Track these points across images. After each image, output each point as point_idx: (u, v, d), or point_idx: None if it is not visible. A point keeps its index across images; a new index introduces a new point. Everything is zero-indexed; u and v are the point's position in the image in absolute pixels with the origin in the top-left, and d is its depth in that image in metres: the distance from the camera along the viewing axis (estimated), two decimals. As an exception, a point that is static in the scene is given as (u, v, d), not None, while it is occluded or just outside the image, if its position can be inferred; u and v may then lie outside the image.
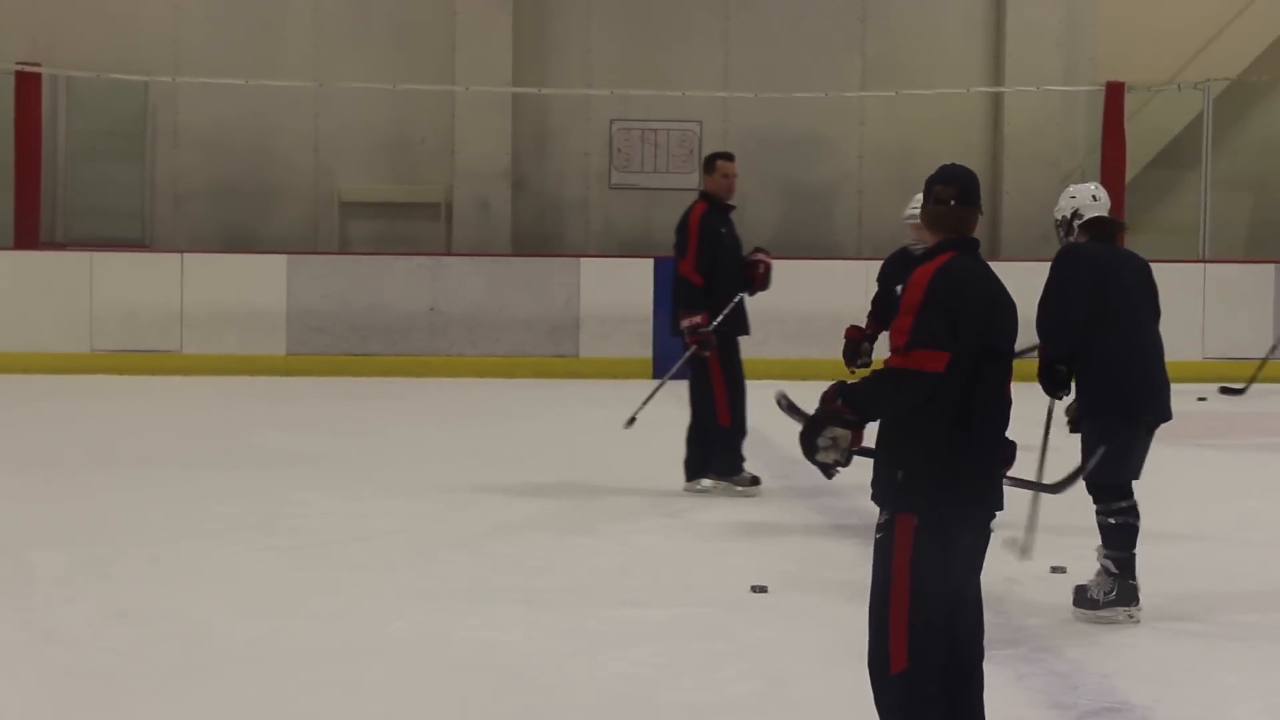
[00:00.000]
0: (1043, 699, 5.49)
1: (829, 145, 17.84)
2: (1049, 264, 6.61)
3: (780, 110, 17.32)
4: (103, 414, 12.93)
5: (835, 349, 8.85)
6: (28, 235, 16.02)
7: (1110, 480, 6.46)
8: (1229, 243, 17.91)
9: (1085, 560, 6.70)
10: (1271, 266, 16.01)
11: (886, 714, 4.29)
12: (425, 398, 14.27)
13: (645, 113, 17.63)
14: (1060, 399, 6.56)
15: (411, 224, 17.53)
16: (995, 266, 4.49)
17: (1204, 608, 6.79)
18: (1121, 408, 6.49)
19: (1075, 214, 6.73)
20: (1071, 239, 6.71)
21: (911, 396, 4.22)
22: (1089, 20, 17.95)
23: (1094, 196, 6.78)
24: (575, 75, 17.68)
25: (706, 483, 9.41)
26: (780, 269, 9.98)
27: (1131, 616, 6.48)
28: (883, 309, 8.61)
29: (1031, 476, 5.62)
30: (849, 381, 4.33)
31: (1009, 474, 4.42)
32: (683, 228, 9.48)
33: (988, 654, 4.40)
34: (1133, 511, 6.54)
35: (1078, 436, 6.58)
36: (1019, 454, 4.43)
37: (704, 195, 9.60)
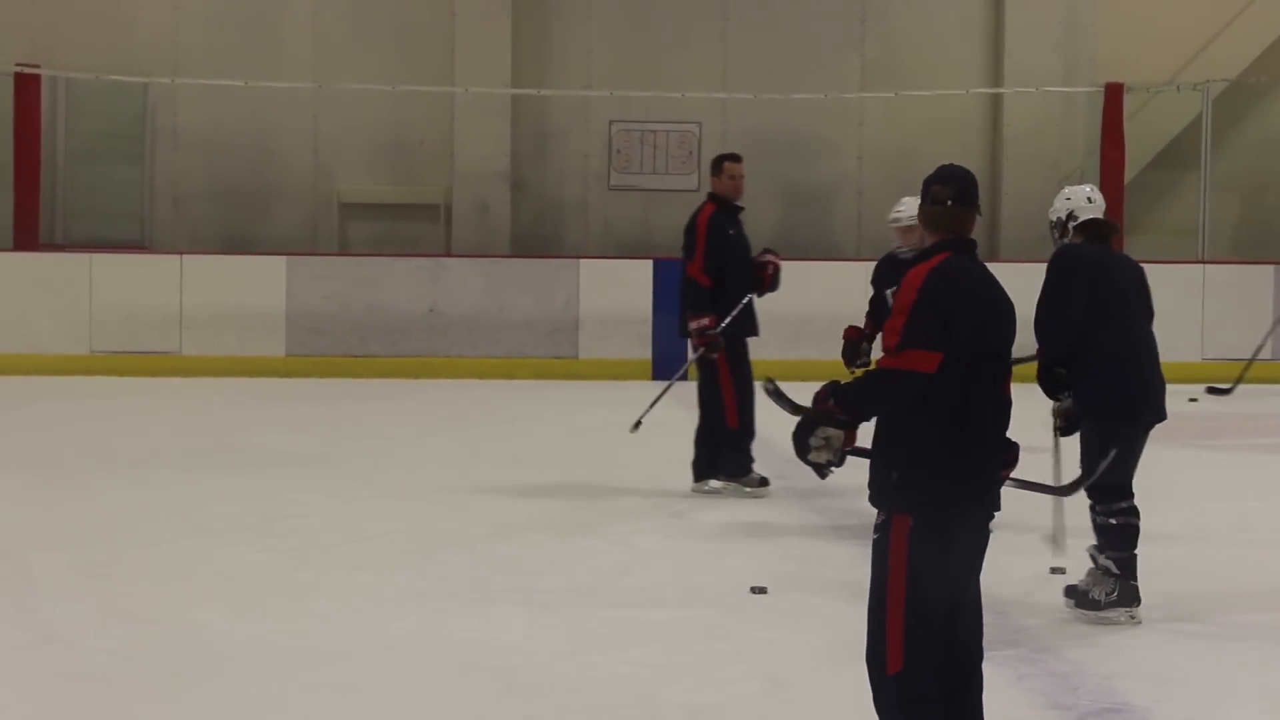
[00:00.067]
0: (1042, 700, 5.49)
1: (828, 146, 17.84)
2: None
3: (779, 111, 17.32)
4: (102, 415, 12.93)
5: (835, 350, 8.85)
6: (27, 236, 16.02)
7: (1111, 480, 6.46)
8: (1228, 244, 17.92)
9: (1085, 561, 6.70)
10: (1270, 267, 16.01)
11: (885, 714, 4.29)
12: (425, 399, 14.27)
13: (644, 114, 17.64)
14: (1060, 401, 6.56)
15: (411, 225, 17.54)
16: (994, 267, 4.49)
17: (1204, 608, 6.79)
18: (1122, 407, 6.49)
19: (1070, 216, 6.74)
20: (1066, 240, 6.72)
21: (903, 396, 4.22)
22: (1088, 21, 17.96)
23: (1089, 199, 6.78)
24: (574, 76, 17.68)
25: (715, 484, 9.41)
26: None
27: (1133, 617, 6.48)
28: (878, 311, 8.62)
29: (1046, 478, 5.63)
30: (841, 381, 4.33)
31: (1013, 475, 4.42)
32: (691, 230, 9.48)
33: (987, 655, 4.41)
34: (1133, 512, 6.54)
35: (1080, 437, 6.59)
36: (1024, 456, 4.43)
37: (712, 197, 9.61)
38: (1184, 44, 18.56)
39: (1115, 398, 6.47)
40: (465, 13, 17.32)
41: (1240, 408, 14.12)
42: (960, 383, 4.22)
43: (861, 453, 4.32)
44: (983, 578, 4.37)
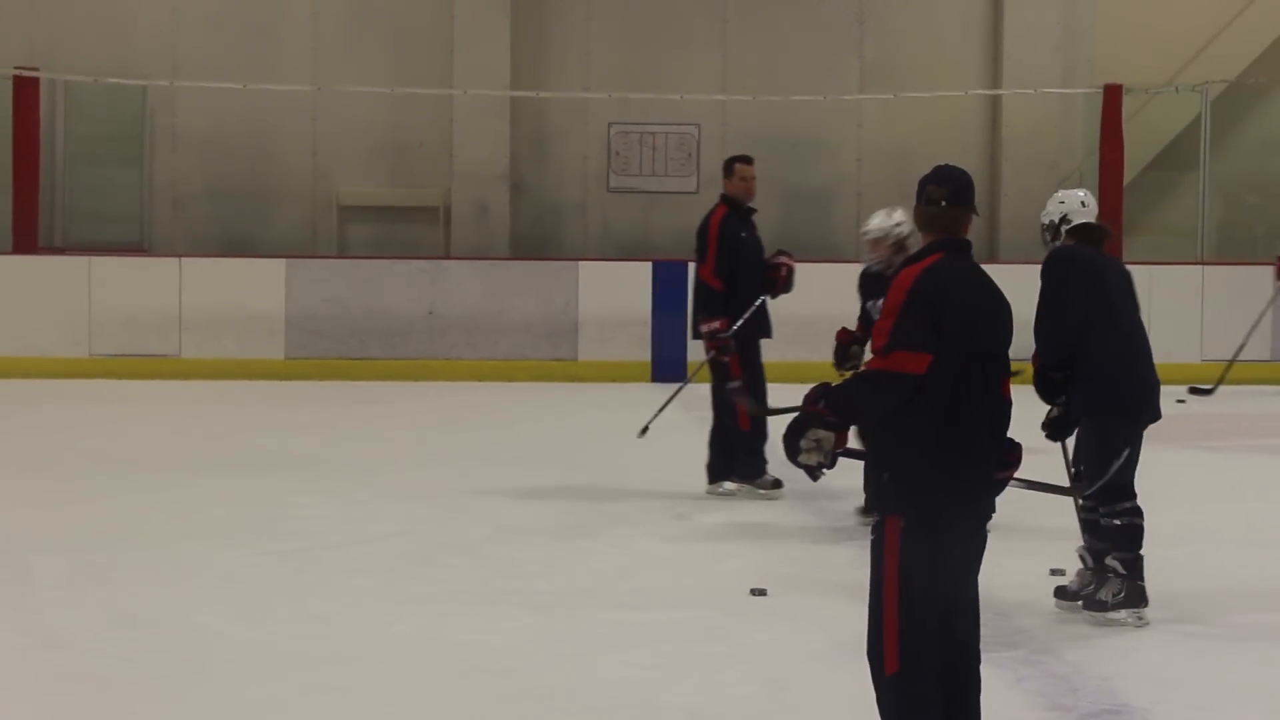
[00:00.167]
0: (1042, 701, 5.49)
1: (827, 148, 17.84)
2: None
3: (778, 113, 17.32)
4: (102, 418, 12.93)
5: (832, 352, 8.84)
6: (26, 239, 16.03)
7: (1113, 480, 6.45)
8: (1227, 245, 17.92)
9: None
10: (1270, 268, 16.02)
11: (886, 714, 4.30)
12: (424, 401, 14.27)
13: (643, 116, 17.63)
14: (1057, 404, 6.55)
15: (410, 227, 17.54)
16: (992, 269, 4.49)
17: (1204, 608, 6.79)
18: (1122, 407, 6.49)
19: (1064, 219, 6.74)
20: (1057, 244, 6.71)
21: (892, 398, 4.23)
22: (1087, 22, 17.96)
23: (1083, 203, 6.77)
24: (573, 78, 17.68)
25: (730, 485, 9.40)
26: (782, 271, 9.98)
27: (1140, 618, 6.47)
28: (867, 319, 8.60)
29: (1050, 479, 5.62)
30: (831, 384, 4.34)
31: (1017, 476, 4.42)
32: (703, 233, 9.47)
33: (987, 656, 4.41)
34: (1137, 512, 6.54)
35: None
36: (1027, 456, 4.42)
37: (724, 199, 9.60)
38: (1183, 45, 18.57)
39: (1115, 398, 6.47)
40: (464, 15, 17.33)
41: (1240, 408, 14.12)
42: (952, 384, 4.22)
43: (852, 454, 4.33)
44: (982, 579, 4.37)
